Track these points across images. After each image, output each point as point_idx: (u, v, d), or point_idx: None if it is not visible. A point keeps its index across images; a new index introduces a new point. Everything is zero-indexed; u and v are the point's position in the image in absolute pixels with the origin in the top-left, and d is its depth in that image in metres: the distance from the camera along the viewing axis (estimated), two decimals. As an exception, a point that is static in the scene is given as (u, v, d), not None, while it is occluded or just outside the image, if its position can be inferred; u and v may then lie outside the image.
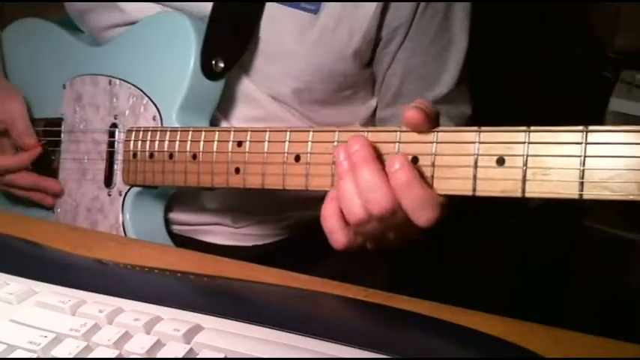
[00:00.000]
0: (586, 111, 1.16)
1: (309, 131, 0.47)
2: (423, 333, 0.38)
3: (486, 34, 0.69)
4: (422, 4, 0.62)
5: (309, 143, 0.47)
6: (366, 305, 0.40)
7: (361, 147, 0.43)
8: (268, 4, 0.60)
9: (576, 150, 0.37)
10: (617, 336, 0.35)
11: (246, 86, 0.64)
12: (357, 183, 0.42)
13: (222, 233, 0.72)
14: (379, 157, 0.43)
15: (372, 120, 0.71)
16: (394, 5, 0.61)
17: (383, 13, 0.61)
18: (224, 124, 0.65)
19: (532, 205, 1.19)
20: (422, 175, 0.42)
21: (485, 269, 1.21)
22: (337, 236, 0.45)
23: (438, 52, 0.65)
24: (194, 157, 0.54)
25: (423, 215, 0.41)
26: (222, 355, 0.33)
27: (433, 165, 0.42)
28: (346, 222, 0.45)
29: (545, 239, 1.23)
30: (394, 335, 0.36)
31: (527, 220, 1.22)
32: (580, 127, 0.37)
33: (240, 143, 0.51)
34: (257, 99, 0.65)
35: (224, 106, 0.65)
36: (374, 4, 0.60)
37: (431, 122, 0.42)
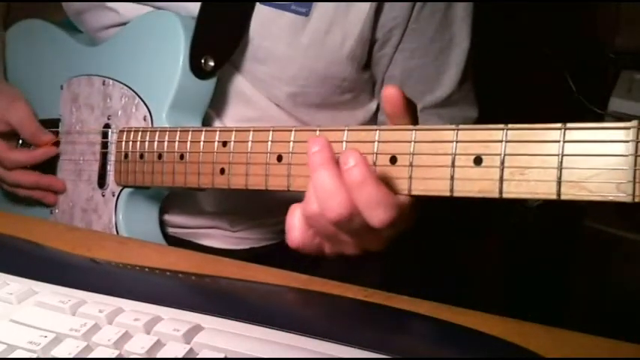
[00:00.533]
0: (586, 111, 1.16)
1: (291, 131, 0.47)
2: (423, 333, 0.38)
3: (485, 34, 0.69)
4: (418, 3, 0.60)
5: (291, 143, 0.46)
6: (366, 305, 0.40)
7: (320, 148, 0.41)
8: (258, 7, 0.59)
9: (554, 148, 0.36)
10: (617, 336, 0.35)
11: (242, 86, 0.64)
12: (314, 186, 0.41)
13: (218, 237, 0.72)
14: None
15: (372, 123, 0.70)
16: (388, 6, 0.60)
17: (377, 13, 0.60)
18: (218, 124, 0.65)
19: (531, 204, 1.19)
20: (399, 176, 0.41)
21: (486, 269, 1.21)
22: (294, 233, 0.44)
23: (439, 52, 0.64)
24: (181, 157, 0.54)
25: (375, 215, 0.39)
26: (222, 355, 0.33)
27: (411, 165, 0.41)
28: (308, 223, 0.43)
29: (545, 239, 1.23)
30: (394, 335, 0.36)
31: (527, 220, 1.22)
32: (558, 125, 0.36)
33: (225, 143, 0.51)
34: (252, 100, 0.64)
35: (219, 105, 0.64)
36: (367, 5, 0.59)
37: (408, 108, 0.42)
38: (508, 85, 1.11)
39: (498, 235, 1.25)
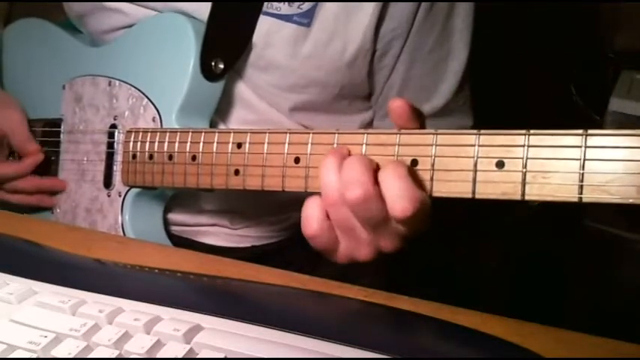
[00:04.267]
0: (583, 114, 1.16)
1: (309, 133, 0.47)
2: (423, 333, 0.38)
3: (485, 34, 0.69)
4: (419, 15, 0.61)
5: (309, 145, 0.47)
6: (366, 305, 0.40)
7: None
8: (261, 17, 0.59)
9: (576, 153, 0.37)
10: (617, 336, 0.35)
11: (243, 91, 0.64)
12: (343, 170, 0.42)
13: (219, 234, 0.72)
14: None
15: (369, 128, 0.71)
16: (389, 17, 0.60)
17: (378, 24, 0.60)
18: (221, 127, 0.65)
19: (532, 204, 1.19)
20: (421, 178, 0.42)
21: (486, 269, 1.21)
22: (312, 222, 0.44)
23: (437, 63, 0.64)
24: (193, 158, 0.54)
25: (399, 205, 0.40)
26: (222, 355, 0.33)
27: (433, 168, 0.42)
28: (326, 214, 0.44)
29: (545, 239, 1.23)
30: (394, 335, 0.36)
31: (527, 220, 1.22)
32: (580, 131, 0.37)
33: (239, 145, 0.51)
34: (253, 105, 0.65)
35: (222, 109, 0.65)
36: (367, 16, 0.59)
37: (416, 117, 0.43)
38: (507, 86, 1.11)
39: (498, 235, 1.25)
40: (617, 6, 1.19)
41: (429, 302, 0.40)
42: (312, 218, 0.45)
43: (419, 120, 0.44)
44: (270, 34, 0.60)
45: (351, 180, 0.41)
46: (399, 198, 0.40)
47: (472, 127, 0.63)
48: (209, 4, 0.60)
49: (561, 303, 1.17)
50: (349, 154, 0.44)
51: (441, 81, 0.65)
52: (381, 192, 0.41)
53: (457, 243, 1.12)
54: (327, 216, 0.44)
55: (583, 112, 1.13)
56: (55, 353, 0.33)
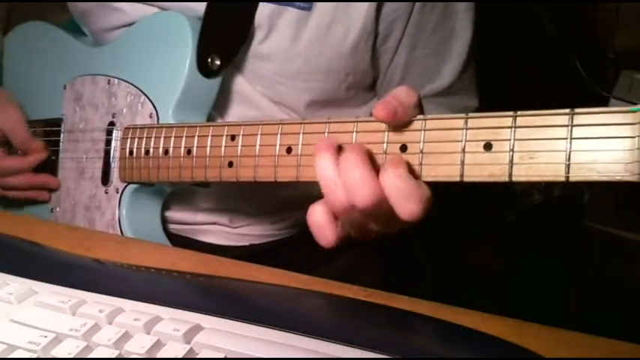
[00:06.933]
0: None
1: (300, 124, 0.47)
2: (423, 333, 0.38)
3: (485, 34, 0.69)
4: None
5: (301, 135, 0.47)
6: (366, 305, 0.40)
7: (354, 145, 0.42)
8: (261, 3, 0.59)
9: (563, 133, 0.37)
10: (617, 336, 0.35)
11: (242, 86, 0.64)
12: (344, 175, 0.41)
13: (218, 233, 0.72)
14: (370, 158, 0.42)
15: None
16: None
17: (378, 6, 0.60)
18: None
19: (531, 204, 1.19)
20: (410, 164, 0.42)
21: (486, 269, 1.21)
22: (326, 232, 0.43)
23: (440, 44, 0.64)
24: (188, 152, 0.55)
25: (407, 207, 0.39)
26: (222, 355, 0.33)
27: (422, 152, 0.42)
28: (333, 215, 0.43)
29: (545, 239, 1.23)
30: (394, 335, 0.36)
31: (527, 220, 1.22)
32: (566, 110, 0.37)
33: (233, 137, 0.51)
34: (252, 100, 0.65)
35: (220, 105, 0.65)
36: None
37: (403, 114, 0.41)
38: (506, 86, 1.11)
39: (498, 235, 1.25)
40: (617, 6, 1.19)
41: (429, 302, 0.40)
42: (325, 229, 0.43)
43: (413, 108, 0.42)
44: (271, 19, 0.60)
45: (356, 183, 0.40)
46: (403, 200, 0.39)
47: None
48: (205, 3, 0.60)
49: (561, 303, 1.17)
50: (339, 146, 0.42)
51: (444, 62, 0.65)
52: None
53: (457, 243, 1.12)
54: (335, 216, 0.43)
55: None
56: (55, 353, 0.33)
